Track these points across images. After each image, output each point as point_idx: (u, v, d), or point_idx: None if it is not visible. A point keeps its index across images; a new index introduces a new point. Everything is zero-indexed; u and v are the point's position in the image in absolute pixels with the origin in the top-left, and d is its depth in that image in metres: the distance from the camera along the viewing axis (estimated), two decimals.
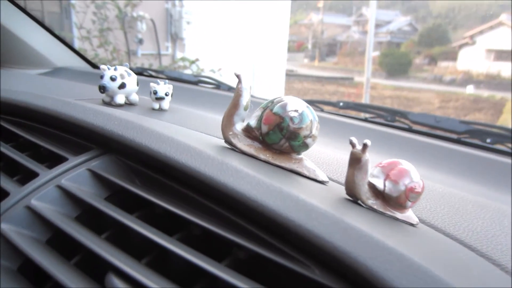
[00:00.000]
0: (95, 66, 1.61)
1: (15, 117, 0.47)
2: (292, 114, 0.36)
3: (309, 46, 9.82)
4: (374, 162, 0.53)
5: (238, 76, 0.39)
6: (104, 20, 2.97)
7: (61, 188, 0.33)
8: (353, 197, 0.34)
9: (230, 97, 1.29)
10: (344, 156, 0.54)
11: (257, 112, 0.38)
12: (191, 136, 0.39)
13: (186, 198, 0.33)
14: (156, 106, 0.73)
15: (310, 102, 1.27)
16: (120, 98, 0.73)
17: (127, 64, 0.78)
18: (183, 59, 3.42)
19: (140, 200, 0.34)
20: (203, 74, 3.24)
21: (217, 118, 0.79)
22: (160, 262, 0.29)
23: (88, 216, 0.33)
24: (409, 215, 0.35)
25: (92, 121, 0.37)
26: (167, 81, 0.74)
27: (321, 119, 0.95)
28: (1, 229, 0.30)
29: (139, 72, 1.48)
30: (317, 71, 8.54)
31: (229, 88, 1.35)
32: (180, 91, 1.10)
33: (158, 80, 0.73)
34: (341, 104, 1.20)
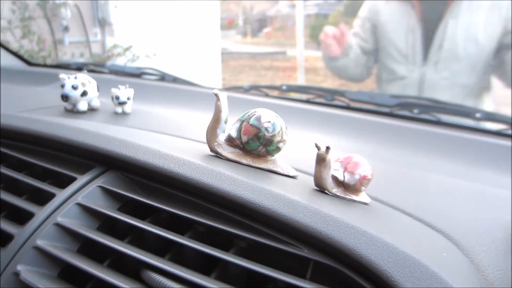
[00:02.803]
0: (30, 63, 1.56)
1: (6, 140, 0.50)
2: (266, 124, 0.44)
3: (240, 22, 9.79)
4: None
5: (216, 95, 0.46)
6: (24, 9, 2.79)
7: (80, 205, 0.39)
8: (321, 188, 0.43)
9: (176, 89, 1.33)
10: (297, 143, 0.63)
11: (236, 124, 0.46)
12: (181, 148, 0.46)
13: (187, 202, 0.41)
14: (119, 110, 0.78)
15: (255, 87, 1.34)
16: (82, 105, 0.76)
17: (85, 71, 0.81)
18: (115, 46, 3.32)
19: (146, 208, 0.41)
20: (138, 60, 3.17)
21: (183, 115, 0.85)
22: (178, 256, 0.37)
23: (107, 226, 0.39)
24: (363, 196, 0.45)
25: (95, 143, 0.43)
26: (127, 85, 0.78)
27: (267, 105, 1.04)
28: (38, 245, 0.36)
29: (79, 67, 1.46)
30: (251, 47, 8.56)
31: (174, 79, 1.37)
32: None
33: (119, 85, 0.77)
34: (284, 87, 1.28)
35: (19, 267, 0.35)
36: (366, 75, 1.49)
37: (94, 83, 0.78)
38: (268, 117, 0.45)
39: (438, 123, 0.90)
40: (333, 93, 1.20)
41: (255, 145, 0.44)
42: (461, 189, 0.56)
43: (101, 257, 0.37)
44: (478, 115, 0.95)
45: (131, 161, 0.41)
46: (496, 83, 1.33)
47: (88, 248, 0.38)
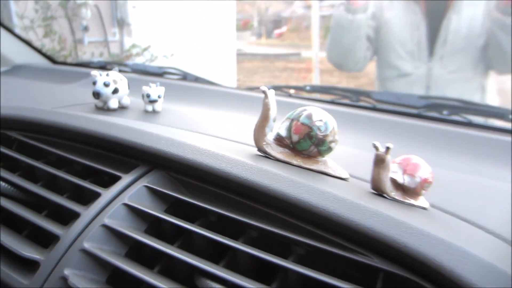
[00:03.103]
0: (54, 61, 1.57)
1: (40, 135, 0.49)
2: (318, 123, 0.42)
3: (255, 23, 9.78)
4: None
5: (264, 92, 0.43)
6: (47, 8, 2.82)
7: (127, 206, 0.37)
8: (379, 191, 0.40)
9: (198, 88, 1.31)
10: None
11: (285, 123, 0.43)
12: (225, 148, 0.44)
13: (236, 204, 0.38)
14: (150, 108, 0.76)
15: (278, 88, 1.31)
16: (113, 103, 0.75)
17: (117, 68, 0.79)
18: (133, 46, 3.33)
19: (192, 210, 0.39)
20: (156, 60, 3.18)
21: (212, 115, 0.83)
22: (233, 263, 0.34)
23: (153, 228, 0.37)
24: (422, 201, 0.42)
25: (141, 141, 0.41)
26: (158, 83, 0.77)
27: (291, 104, 1.01)
28: (85, 248, 0.34)
29: (102, 66, 1.45)
30: (266, 48, 8.54)
31: (196, 78, 1.35)
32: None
33: (150, 83, 0.76)
34: (308, 88, 1.25)
35: (67, 272, 0.33)
36: (361, 65, 1.45)
37: (125, 80, 0.76)
38: (320, 115, 0.42)
39: (469, 124, 0.87)
40: (358, 93, 1.17)
41: (307, 145, 0.42)
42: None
43: (148, 261, 0.35)
44: (511, 116, 0.91)
45: (180, 160, 0.39)
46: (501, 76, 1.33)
47: (135, 252, 0.36)
